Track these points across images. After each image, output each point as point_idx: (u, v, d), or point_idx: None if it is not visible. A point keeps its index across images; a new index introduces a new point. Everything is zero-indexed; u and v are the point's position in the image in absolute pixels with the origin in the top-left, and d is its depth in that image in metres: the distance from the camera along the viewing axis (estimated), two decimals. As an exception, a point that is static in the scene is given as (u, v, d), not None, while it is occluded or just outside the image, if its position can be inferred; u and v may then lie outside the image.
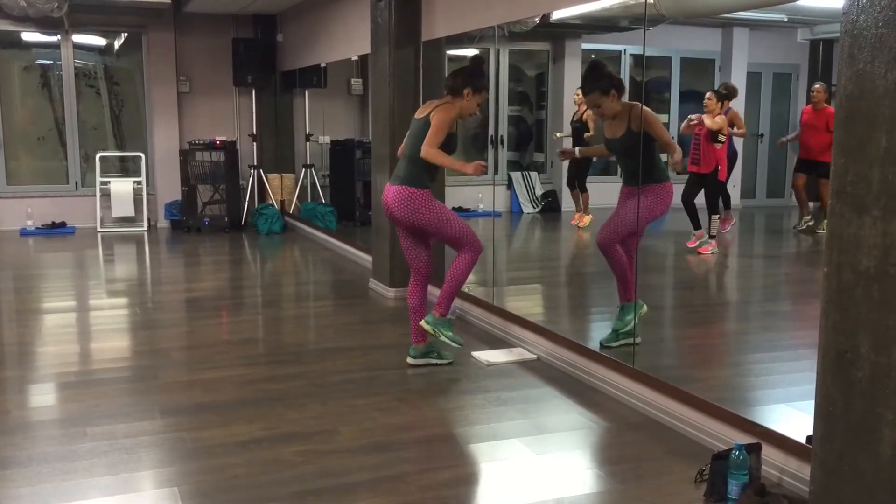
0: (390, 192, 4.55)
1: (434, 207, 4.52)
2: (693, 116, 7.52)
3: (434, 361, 4.76)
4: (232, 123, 10.84)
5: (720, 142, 7.43)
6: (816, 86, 8.12)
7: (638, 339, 4.60)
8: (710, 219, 7.47)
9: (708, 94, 7.46)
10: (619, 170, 5.07)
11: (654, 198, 4.58)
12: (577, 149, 6.08)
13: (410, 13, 6.34)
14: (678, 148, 4.64)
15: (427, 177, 4.55)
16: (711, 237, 7.52)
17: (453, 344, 4.65)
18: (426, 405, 4.16)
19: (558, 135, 9.58)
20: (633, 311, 4.68)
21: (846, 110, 2.44)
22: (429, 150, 4.40)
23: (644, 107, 4.58)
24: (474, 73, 4.59)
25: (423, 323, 4.63)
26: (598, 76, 4.59)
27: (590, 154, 5.99)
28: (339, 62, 9.02)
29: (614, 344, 4.66)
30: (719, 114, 7.39)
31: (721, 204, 7.87)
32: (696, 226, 7.54)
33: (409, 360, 4.75)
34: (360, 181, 9.64)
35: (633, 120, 4.53)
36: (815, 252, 7.88)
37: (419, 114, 4.62)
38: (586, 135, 8.67)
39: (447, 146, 4.49)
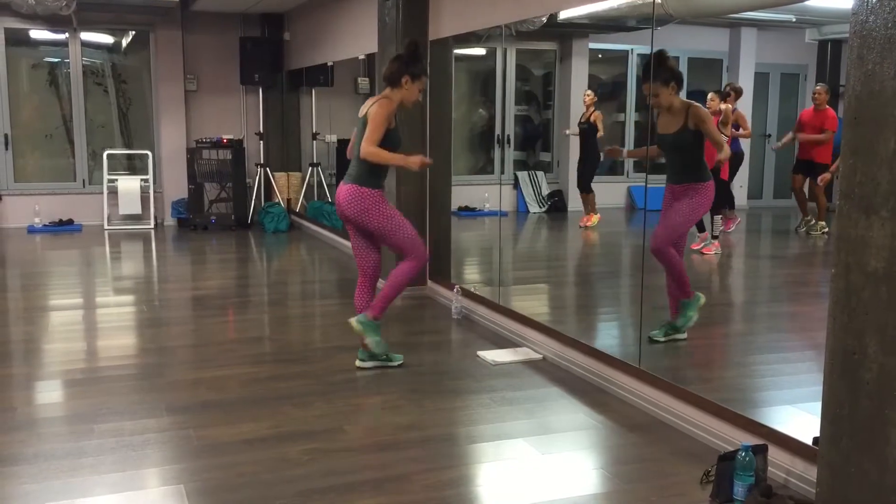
0: (342, 191, 4.48)
1: (384, 210, 4.45)
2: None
3: (382, 363, 4.67)
4: (239, 122, 10.86)
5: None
6: (818, 87, 8.09)
7: (685, 335, 4.72)
8: (712, 219, 7.45)
9: (710, 96, 7.45)
10: (643, 168, 5.10)
11: (701, 197, 4.67)
12: (624, 149, 6.08)
13: (418, 12, 6.34)
14: (727, 147, 4.70)
15: (377, 176, 4.46)
16: (714, 237, 7.50)
17: (376, 349, 4.58)
18: (431, 404, 4.16)
19: (567, 131, 9.57)
20: (693, 307, 4.75)
21: (855, 111, 2.44)
22: (367, 149, 4.30)
23: (697, 105, 4.62)
24: (410, 60, 4.46)
25: (352, 320, 4.56)
26: (661, 67, 4.59)
27: (637, 155, 5.98)
28: (346, 61, 9.02)
29: (662, 339, 4.75)
30: (720, 115, 7.36)
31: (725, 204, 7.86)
32: (701, 228, 7.52)
33: (358, 363, 4.67)
34: (367, 180, 9.62)
35: (690, 117, 4.57)
36: (818, 253, 7.86)
37: (361, 111, 4.50)
38: (599, 135, 8.65)
39: (390, 142, 4.38)
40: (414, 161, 4.42)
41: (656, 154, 5.01)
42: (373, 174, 4.44)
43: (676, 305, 4.79)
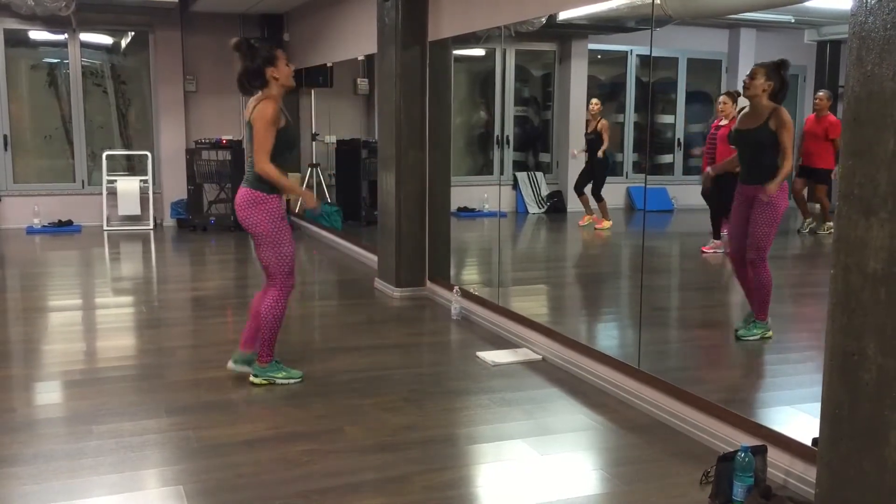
0: (237, 195, 4.25)
1: (275, 219, 4.18)
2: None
3: (282, 381, 4.40)
4: (238, 123, 10.86)
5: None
6: (820, 93, 8.08)
7: (771, 334, 4.82)
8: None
9: (722, 99, 7.40)
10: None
11: (777, 200, 4.70)
12: (710, 168, 6.09)
13: (417, 13, 6.34)
14: (789, 164, 4.72)
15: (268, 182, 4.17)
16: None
17: (293, 381, 4.38)
18: (431, 405, 4.16)
19: (575, 152, 9.57)
20: (761, 329, 4.83)
21: (854, 112, 2.44)
22: (263, 168, 4.06)
23: (782, 109, 4.69)
24: (260, 52, 4.15)
25: (252, 379, 4.34)
26: (776, 66, 4.69)
27: (724, 169, 5.93)
28: (346, 62, 9.03)
29: (751, 337, 4.83)
30: (737, 117, 7.33)
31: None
32: (717, 234, 7.51)
33: (231, 364, 4.42)
34: (366, 181, 9.65)
35: (772, 117, 4.65)
36: (819, 254, 7.86)
37: (245, 115, 4.25)
38: (603, 148, 8.69)
39: (284, 144, 4.17)
40: (308, 198, 4.31)
41: (737, 166, 5.06)
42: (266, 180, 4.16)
43: (760, 306, 4.83)
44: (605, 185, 8.98)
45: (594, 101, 8.89)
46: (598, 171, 8.85)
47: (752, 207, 4.75)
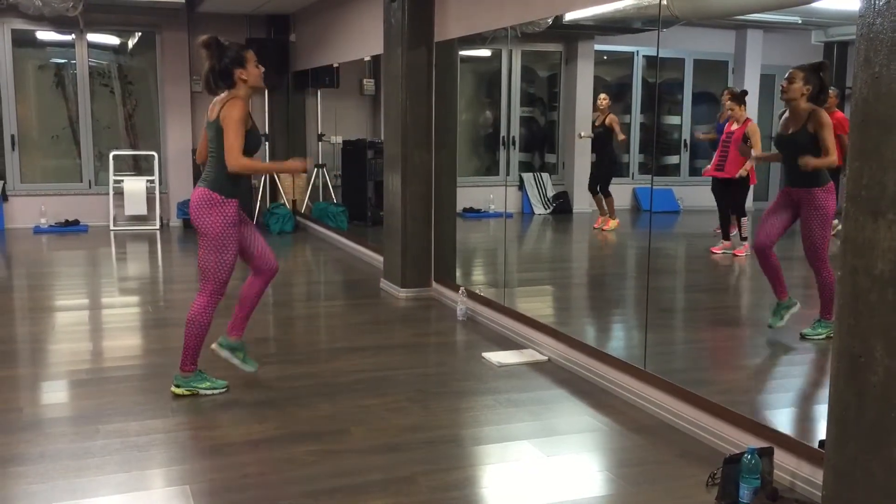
0: (194, 194, 4.15)
1: (225, 224, 4.06)
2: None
3: (235, 362, 4.38)
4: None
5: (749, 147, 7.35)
6: (829, 90, 8.05)
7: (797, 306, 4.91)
8: (739, 221, 7.43)
9: (729, 105, 7.34)
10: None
11: (824, 202, 4.75)
12: (753, 156, 6.10)
13: (423, 14, 6.35)
14: (833, 158, 4.72)
15: (234, 184, 4.11)
16: (743, 239, 7.48)
17: (217, 392, 4.24)
18: (437, 406, 4.16)
19: (582, 133, 9.57)
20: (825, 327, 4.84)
21: (862, 114, 2.43)
22: (237, 163, 3.96)
23: (820, 110, 4.71)
24: (227, 53, 4.06)
25: (173, 389, 4.21)
26: (815, 68, 4.72)
27: (768, 159, 5.96)
28: (352, 62, 9.04)
29: (816, 337, 4.85)
30: (750, 120, 7.29)
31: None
32: (726, 235, 7.50)
33: (214, 346, 4.37)
34: (372, 181, 9.65)
35: (810, 120, 4.68)
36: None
37: (210, 115, 4.13)
38: (621, 138, 8.67)
39: (250, 145, 4.07)
40: (294, 166, 4.24)
41: (780, 157, 5.09)
42: (230, 180, 4.08)
43: (827, 306, 4.86)
44: (612, 186, 8.97)
45: (602, 95, 8.88)
46: (606, 165, 8.83)
47: (800, 210, 4.81)
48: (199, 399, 4.18)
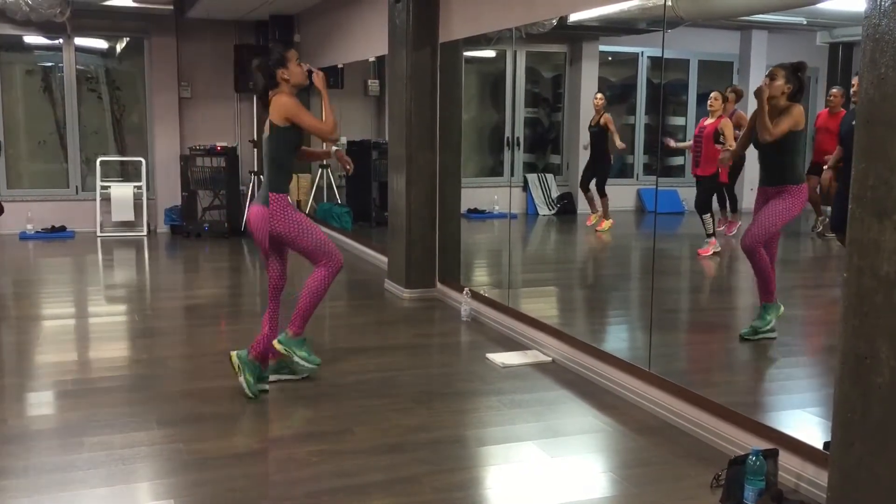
0: (252, 212, 4.33)
1: (286, 218, 4.22)
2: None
3: (285, 377, 4.44)
4: (232, 129, 10.86)
5: (721, 143, 7.36)
6: (834, 90, 8.05)
7: (775, 335, 4.82)
8: (702, 219, 7.42)
9: (713, 95, 7.41)
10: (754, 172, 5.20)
11: (793, 199, 4.73)
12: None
13: (428, 15, 6.34)
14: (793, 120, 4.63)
15: (284, 180, 4.32)
16: (709, 236, 7.47)
17: (307, 364, 4.37)
18: (440, 406, 4.16)
19: (585, 146, 9.54)
20: (773, 311, 4.83)
21: (867, 115, 2.43)
22: (329, 127, 4.28)
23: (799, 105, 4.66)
24: (272, 54, 4.26)
25: (275, 342, 4.32)
26: (795, 67, 4.68)
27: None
28: (356, 63, 9.04)
29: (754, 337, 4.85)
30: (724, 116, 7.33)
31: (728, 206, 7.85)
32: (709, 234, 7.49)
33: (276, 343, 4.35)
34: (377, 182, 9.65)
35: (788, 121, 4.63)
36: (830, 256, 7.82)
37: (266, 131, 4.30)
38: (620, 146, 8.65)
39: (298, 137, 4.30)
40: (319, 79, 4.31)
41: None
42: (284, 179, 4.32)
43: (765, 288, 4.85)
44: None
45: (598, 94, 8.85)
46: (600, 164, 8.81)
47: (772, 201, 4.77)
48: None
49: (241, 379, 4.18)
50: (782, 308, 4.91)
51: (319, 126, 4.30)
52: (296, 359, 4.34)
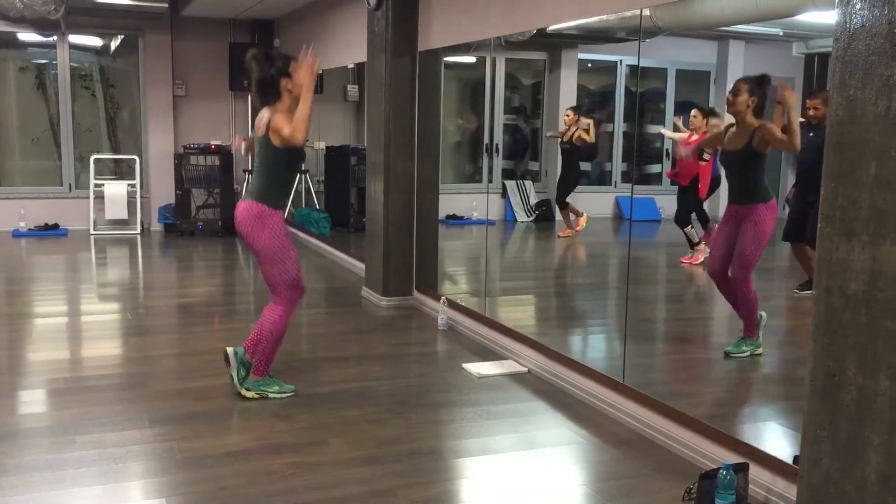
0: (240, 208, 4.22)
1: (274, 235, 4.15)
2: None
3: (274, 395, 4.35)
4: (227, 128, 10.84)
5: (705, 159, 7.43)
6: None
7: (761, 350, 4.80)
8: (684, 232, 7.48)
9: (693, 112, 7.47)
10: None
11: (765, 218, 4.65)
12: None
13: (407, 23, 6.35)
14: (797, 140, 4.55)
15: (278, 195, 4.23)
16: (696, 244, 7.53)
17: (283, 395, 4.32)
18: (417, 417, 4.16)
19: (549, 134, 9.61)
20: (751, 346, 4.82)
21: (837, 136, 2.46)
22: (303, 124, 3.94)
23: (766, 124, 4.57)
24: (275, 62, 4.10)
25: (244, 392, 4.26)
26: (758, 81, 4.63)
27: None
28: (336, 69, 9.03)
29: (740, 355, 4.83)
30: (706, 131, 7.39)
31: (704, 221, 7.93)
32: (691, 243, 7.55)
33: (230, 349, 4.31)
34: (355, 187, 9.66)
35: (755, 136, 4.55)
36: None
37: (258, 131, 4.16)
38: (590, 141, 8.68)
39: (296, 156, 4.18)
40: (307, 65, 4.04)
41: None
42: (278, 193, 4.22)
43: (747, 323, 4.82)
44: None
45: (567, 112, 8.90)
46: (569, 179, 8.89)
47: (738, 227, 4.70)
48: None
49: (272, 396, 4.28)
50: (760, 349, 4.88)
51: (291, 137, 3.97)
52: (270, 397, 4.31)
